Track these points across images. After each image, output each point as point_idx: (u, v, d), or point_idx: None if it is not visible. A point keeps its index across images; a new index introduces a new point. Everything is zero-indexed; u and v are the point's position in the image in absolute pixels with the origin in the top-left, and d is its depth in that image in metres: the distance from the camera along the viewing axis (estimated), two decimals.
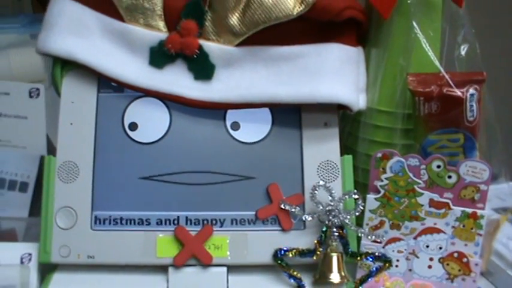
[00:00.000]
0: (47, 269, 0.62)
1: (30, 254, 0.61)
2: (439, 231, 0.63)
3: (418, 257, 0.63)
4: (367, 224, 0.63)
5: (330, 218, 0.60)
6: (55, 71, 0.64)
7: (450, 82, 0.62)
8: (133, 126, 0.63)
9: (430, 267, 0.63)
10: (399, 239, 0.63)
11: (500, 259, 0.69)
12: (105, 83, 0.64)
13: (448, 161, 0.62)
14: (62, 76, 0.64)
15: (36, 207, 0.75)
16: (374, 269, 0.61)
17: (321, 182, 0.61)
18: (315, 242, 0.60)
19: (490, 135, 0.65)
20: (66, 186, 0.61)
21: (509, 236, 0.72)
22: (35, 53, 1.05)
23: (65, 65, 0.65)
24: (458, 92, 0.62)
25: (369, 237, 0.61)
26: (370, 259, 0.61)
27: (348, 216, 0.60)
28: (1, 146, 0.66)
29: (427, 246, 0.63)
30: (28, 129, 0.65)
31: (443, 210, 0.62)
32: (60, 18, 0.64)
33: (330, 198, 0.60)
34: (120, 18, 0.63)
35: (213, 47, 0.62)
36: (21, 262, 0.61)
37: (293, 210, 0.61)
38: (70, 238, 0.61)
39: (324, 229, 0.60)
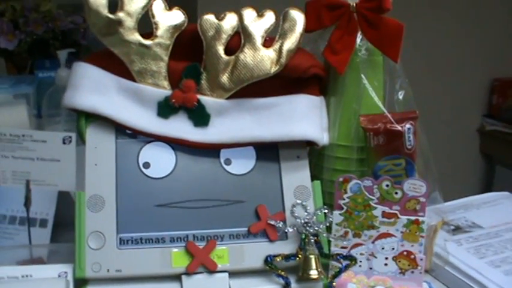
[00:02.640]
0: (79, 284, 0.77)
1: (66, 272, 0.77)
2: (391, 236, 0.82)
3: (376, 257, 0.82)
4: (335, 235, 0.82)
5: (307, 228, 0.79)
6: (80, 122, 0.81)
7: (392, 120, 0.83)
8: (146, 165, 0.81)
9: (386, 264, 0.82)
10: (361, 244, 0.82)
11: (438, 258, 0.90)
12: (121, 131, 0.81)
13: (394, 181, 0.81)
14: (86, 127, 0.81)
15: (53, 237, 0.91)
16: (343, 266, 0.81)
17: (298, 201, 0.81)
18: (297, 248, 0.79)
19: (424, 159, 0.86)
20: (95, 214, 0.78)
21: (445, 239, 0.93)
22: (20, 111, 1.23)
23: (88, 118, 0.82)
24: (398, 127, 0.83)
25: (336, 243, 0.81)
26: (340, 258, 0.81)
27: (321, 226, 0.79)
28: (36, 185, 0.83)
29: (383, 248, 0.82)
30: (60, 170, 0.82)
31: (393, 220, 0.81)
32: (83, 79, 0.82)
33: (306, 213, 0.79)
34: (132, 79, 0.82)
35: (208, 100, 0.82)
36: (60, 277, 0.78)
37: (278, 225, 0.79)
38: (100, 256, 0.76)
39: (303, 237, 0.79)
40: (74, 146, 0.82)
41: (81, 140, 0.82)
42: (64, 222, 0.91)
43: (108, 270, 0.77)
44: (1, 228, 0.91)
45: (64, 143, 0.82)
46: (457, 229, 0.98)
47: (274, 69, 0.80)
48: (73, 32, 1.64)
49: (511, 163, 2.54)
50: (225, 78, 0.81)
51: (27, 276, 0.77)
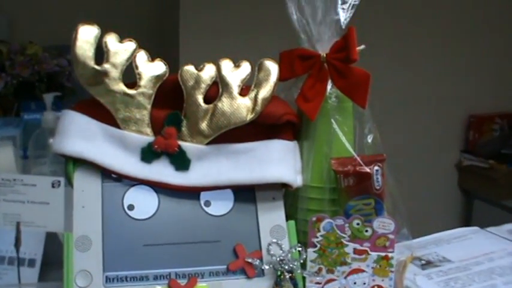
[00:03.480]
0: None
1: None
2: (362, 271, 0.87)
3: None
4: (309, 271, 0.88)
5: (282, 265, 0.85)
6: (68, 167, 0.87)
7: (361, 162, 0.89)
8: (131, 207, 0.87)
9: None
10: (334, 280, 0.88)
11: None
12: (107, 175, 0.87)
13: (365, 220, 0.87)
14: (73, 171, 0.87)
15: (42, 278, 0.96)
16: None
17: (274, 240, 0.87)
18: (273, 284, 0.85)
19: (393, 198, 0.92)
20: (82, 254, 0.83)
21: (415, 273, 0.99)
22: (7, 153, 1.28)
23: (75, 162, 0.87)
24: (367, 169, 0.89)
25: (311, 279, 0.87)
26: None
27: (296, 263, 0.85)
28: (26, 227, 0.88)
29: (355, 283, 0.88)
30: (49, 212, 0.88)
31: (364, 256, 0.87)
32: (71, 126, 0.88)
33: (281, 251, 0.86)
34: (117, 126, 0.88)
35: (188, 146, 0.88)
36: None
37: (255, 262, 0.85)
38: None
39: (279, 274, 0.85)
40: (63, 189, 0.87)
41: (69, 183, 0.88)
42: (52, 262, 0.96)
43: None
44: None
45: (53, 186, 0.88)
46: (428, 263, 1.04)
47: (250, 116, 0.87)
48: (58, 74, 1.71)
49: (488, 197, 2.61)
50: (204, 125, 0.88)
51: None
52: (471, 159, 2.69)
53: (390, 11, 2.35)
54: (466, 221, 2.71)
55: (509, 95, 2.72)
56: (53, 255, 0.92)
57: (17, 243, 0.89)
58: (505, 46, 2.71)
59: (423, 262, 1.05)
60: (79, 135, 0.88)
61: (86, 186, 0.87)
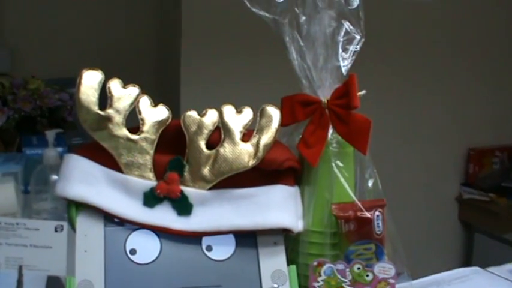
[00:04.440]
0: None
1: None
2: None
3: None
4: None
5: None
6: (71, 211, 0.88)
7: (362, 208, 0.91)
8: (133, 251, 0.88)
9: None
10: None
11: None
12: (109, 219, 0.88)
13: (365, 264, 0.88)
14: (76, 215, 0.88)
15: None
16: None
17: (275, 285, 0.88)
18: None
19: (393, 243, 0.94)
20: None
21: None
22: (8, 189, 1.29)
23: (78, 206, 0.89)
24: (367, 214, 0.91)
25: None
26: None
27: None
28: (28, 270, 0.89)
29: None
30: (52, 256, 0.89)
31: None
32: (74, 171, 0.89)
33: None
34: (120, 170, 0.89)
35: (191, 191, 0.89)
36: None
37: None
38: None
39: None
40: (65, 234, 0.88)
41: (72, 227, 0.89)
42: None
43: None
44: None
45: (56, 231, 0.89)
46: None
47: (252, 162, 0.89)
48: (60, 109, 1.72)
49: (489, 231, 2.62)
50: (206, 170, 0.89)
51: None
52: (471, 193, 2.70)
53: (386, 49, 2.37)
54: (467, 254, 2.71)
55: (509, 128, 2.74)
56: None
57: (19, 287, 0.90)
58: (504, 79, 2.73)
59: None
60: (82, 179, 0.89)
61: (89, 230, 0.88)
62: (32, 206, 1.37)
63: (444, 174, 2.71)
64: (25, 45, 2.22)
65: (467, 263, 2.63)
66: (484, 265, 1.23)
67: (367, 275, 0.89)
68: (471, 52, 2.64)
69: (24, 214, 1.31)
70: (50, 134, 1.42)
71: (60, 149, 1.37)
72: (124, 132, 0.90)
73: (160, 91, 2.18)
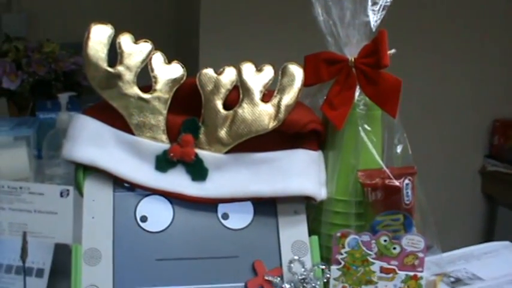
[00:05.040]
0: None
1: None
2: None
3: None
4: None
5: (304, 284, 0.78)
6: (78, 175, 0.82)
7: (390, 175, 0.83)
8: (143, 218, 0.81)
9: None
10: None
11: None
12: (119, 184, 0.82)
13: (393, 236, 0.81)
14: (84, 179, 0.82)
15: (52, 287, 0.91)
16: None
17: (295, 257, 0.81)
18: None
19: (423, 214, 0.86)
20: (91, 268, 0.78)
21: None
22: (20, 153, 1.24)
23: (86, 170, 0.82)
24: (396, 183, 0.83)
25: None
26: None
27: (318, 282, 0.79)
28: (33, 237, 0.83)
29: None
30: (57, 222, 0.83)
31: (391, 275, 0.81)
32: (82, 132, 0.82)
33: (303, 269, 0.79)
34: (130, 132, 0.82)
35: (206, 154, 0.82)
36: None
37: (275, 280, 0.79)
38: None
39: None
40: (72, 199, 0.82)
41: (79, 192, 0.83)
42: (61, 272, 0.90)
43: None
44: None
45: (62, 196, 0.82)
46: (457, 281, 0.98)
47: (272, 124, 0.81)
48: (75, 73, 1.66)
49: None
50: (223, 132, 0.82)
51: None
52: (495, 165, 2.61)
53: (414, 14, 2.27)
54: (489, 228, 2.63)
55: None
56: (63, 266, 0.86)
57: (23, 254, 0.84)
58: None
59: (452, 279, 0.98)
60: (90, 141, 0.82)
61: (97, 195, 0.82)
62: (45, 171, 1.32)
63: (468, 145, 2.62)
64: (41, 9, 2.16)
65: (489, 236, 2.56)
66: (506, 239, 1.15)
67: (394, 248, 0.81)
68: (498, 21, 2.53)
69: (36, 179, 1.26)
70: (63, 97, 1.36)
71: (74, 113, 1.30)
72: (135, 90, 0.82)
73: (177, 52, 2.09)
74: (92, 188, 0.82)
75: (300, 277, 0.79)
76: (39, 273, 0.90)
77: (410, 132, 0.86)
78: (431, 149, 2.36)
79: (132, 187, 0.82)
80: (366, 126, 0.85)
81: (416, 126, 0.88)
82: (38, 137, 1.42)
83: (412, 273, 0.82)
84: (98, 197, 0.82)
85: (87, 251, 0.79)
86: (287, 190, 0.81)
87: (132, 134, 0.83)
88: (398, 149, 0.86)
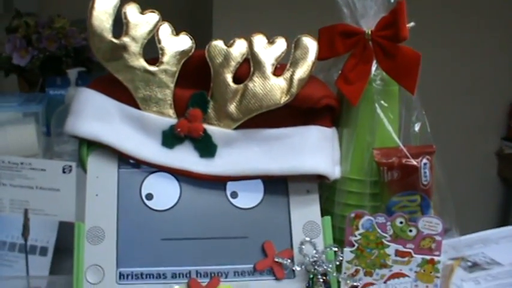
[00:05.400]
0: None
1: None
2: (404, 275, 0.77)
3: None
4: (345, 273, 0.78)
5: (315, 267, 0.74)
6: (82, 150, 0.78)
7: (407, 154, 0.78)
8: (149, 196, 0.77)
9: None
10: (372, 284, 0.77)
11: None
12: (124, 160, 0.78)
13: (409, 218, 0.76)
14: (87, 155, 0.78)
15: (54, 267, 0.88)
16: None
17: (307, 239, 0.76)
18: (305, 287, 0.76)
19: (441, 195, 0.81)
20: (94, 247, 0.74)
21: (462, 278, 0.88)
22: (29, 130, 1.20)
23: (90, 146, 0.78)
24: (414, 162, 0.78)
25: (348, 281, 0.77)
26: None
27: (330, 265, 0.75)
28: (35, 214, 0.80)
29: None
30: (60, 199, 0.79)
31: (406, 258, 0.77)
32: (86, 106, 0.78)
33: (315, 251, 0.75)
34: (136, 106, 0.78)
35: (215, 130, 0.78)
36: None
37: (285, 262, 0.76)
38: None
39: (311, 276, 0.74)
40: (74, 175, 0.79)
41: (83, 168, 0.79)
42: (66, 250, 0.87)
43: None
44: (1, 255, 0.87)
45: (64, 172, 0.79)
46: (475, 266, 0.93)
47: (284, 99, 0.76)
48: (85, 48, 1.61)
49: None
50: (232, 107, 0.77)
51: None
52: None
53: None
54: (505, 212, 2.57)
55: None
56: (67, 244, 0.83)
57: (25, 232, 0.80)
58: None
59: (469, 264, 0.94)
60: (94, 115, 0.78)
61: (101, 172, 0.78)
62: (54, 149, 1.29)
63: (484, 127, 2.54)
64: None
65: (505, 220, 2.50)
66: None
67: (411, 230, 0.77)
68: None
69: (45, 156, 1.23)
70: (72, 73, 1.32)
71: None
72: (141, 63, 0.78)
73: (190, 24, 2.04)
74: (95, 164, 0.78)
75: (311, 259, 0.75)
76: (43, 251, 0.87)
77: (427, 111, 0.81)
78: (446, 129, 2.28)
79: (137, 164, 0.79)
80: (383, 102, 0.80)
81: (433, 105, 0.83)
82: (47, 113, 1.38)
83: (428, 257, 0.77)
84: (101, 174, 0.78)
85: (90, 229, 0.75)
86: (299, 168, 0.77)
87: (138, 108, 0.79)
88: (416, 127, 0.82)
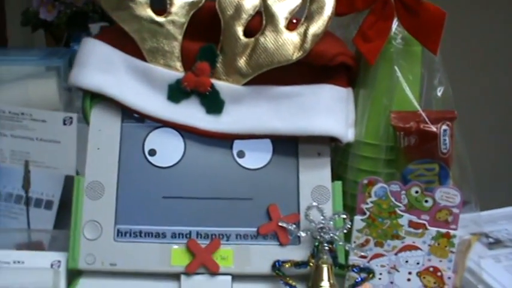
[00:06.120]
0: (73, 275, 0.71)
1: (59, 261, 0.71)
2: (416, 248, 0.72)
3: (398, 271, 0.73)
4: (355, 242, 0.73)
5: (322, 234, 0.70)
6: (85, 102, 0.75)
7: (426, 119, 0.73)
8: (152, 152, 0.74)
9: (409, 280, 0.73)
10: (382, 255, 0.73)
11: (472, 275, 0.80)
12: (128, 114, 0.74)
13: (425, 188, 0.71)
14: (90, 107, 0.75)
15: (60, 222, 0.85)
16: (359, 279, 0.72)
17: (314, 204, 0.72)
18: (309, 255, 0.71)
19: (461, 165, 0.75)
20: (93, 202, 0.72)
21: (481, 255, 0.83)
22: (50, 84, 1.17)
23: (93, 98, 0.75)
24: (433, 128, 0.73)
25: (355, 251, 0.72)
26: (356, 270, 0.71)
27: (337, 233, 0.70)
28: (35, 166, 0.77)
29: (407, 262, 0.73)
30: (60, 152, 0.76)
31: (420, 230, 0.72)
32: (91, 57, 0.75)
33: (322, 217, 0.70)
34: (143, 58, 0.74)
35: (223, 85, 0.73)
36: (52, 268, 0.72)
37: (290, 227, 0.71)
38: (95, 248, 0.70)
39: (316, 244, 0.70)
40: (75, 127, 0.75)
41: (86, 121, 0.75)
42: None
43: (102, 263, 0.71)
44: (7, 207, 0.84)
45: (65, 123, 0.75)
46: (497, 243, 0.87)
47: (297, 55, 0.71)
48: None
49: None
50: (242, 62, 0.72)
51: (19, 262, 0.72)
52: None
53: None
54: None
55: None
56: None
57: (25, 184, 0.77)
58: None
59: (491, 240, 0.88)
60: (99, 66, 0.74)
61: (104, 125, 0.75)
62: (75, 103, 1.26)
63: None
64: None
65: None
66: None
67: (426, 201, 0.71)
68: None
69: (66, 111, 1.20)
70: (94, 28, 1.29)
71: None
72: (148, 13, 0.73)
73: None
74: (99, 117, 0.75)
75: (318, 226, 0.70)
76: (48, 205, 0.84)
77: (451, 75, 0.75)
78: (472, 105, 2.14)
79: (141, 118, 0.75)
80: (403, 62, 0.74)
81: (455, 79, 0.76)
82: (69, 68, 1.35)
83: (444, 231, 0.72)
84: (104, 127, 0.74)
85: (89, 184, 0.72)
86: (309, 129, 0.72)
87: (145, 60, 0.74)
88: (439, 91, 0.76)
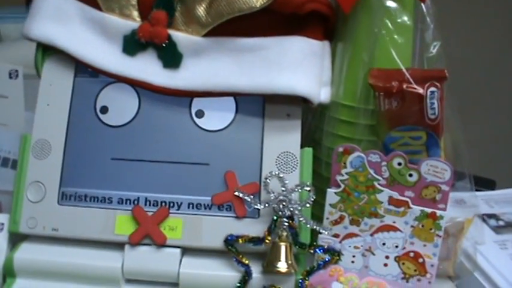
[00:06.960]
0: (20, 238, 0.66)
1: (2, 224, 0.66)
2: (396, 229, 0.62)
3: (374, 254, 0.62)
4: (327, 218, 0.63)
5: (281, 208, 0.61)
6: (37, 55, 0.68)
7: (410, 79, 0.61)
8: (104, 109, 0.66)
9: (386, 265, 0.62)
10: (356, 235, 0.63)
11: (468, 260, 0.68)
12: (81, 68, 0.67)
13: (410, 159, 0.60)
14: (43, 60, 0.68)
15: None
16: (323, 262, 0.62)
17: (274, 172, 0.62)
18: (265, 230, 0.62)
19: (453, 136, 0.63)
20: (39, 162, 0.65)
21: (483, 239, 0.71)
22: None
23: (46, 50, 0.68)
24: (419, 89, 0.61)
25: (317, 228, 0.62)
26: (319, 251, 0.62)
27: (299, 207, 0.61)
28: None
29: (384, 244, 0.62)
30: (8, 108, 0.69)
31: (402, 209, 0.61)
32: (42, 5, 0.67)
33: (283, 188, 0.61)
34: (97, 7, 0.66)
35: (181, 36, 0.64)
36: None
37: (247, 198, 0.62)
38: (38, 211, 0.64)
39: (275, 218, 0.61)
40: (21, 81, 0.68)
41: (38, 75, 0.68)
42: None
43: (44, 227, 0.64)
44: None
45: (10, 77, 0.68)
46: (506, 226, 0.75)
47: (261, 1, 0.61)
48: None
49: None
50: (201, 10, 0.63)
51: None
52: None
53: None
54: None
55: None
56: None
57: None
58: None
59: (501, 223, 0.75)
60: (51, 16, 0.67)
61: (55, 79, 0.68)
62: None
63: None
64: None
65: None
66: None
67: (411, 175, 0.61)
68: None
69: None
70: None
71: None
72: None
73: None
74: (50, 71, 0.68)
75: (277, 198, 0.61)
76: (16, 164, 0.78)
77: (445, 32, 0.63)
78: (472, 56, 1.82)
79: (95, 72, 0.67)
80: (388, 13, 0.62)
81: (452, 23, 0.63)
82: None
83: (429, 210, 0.61)
84: (56, 82, 0.67)
85: (36, 142, 0.66)
86: (272, 86, 0.62)
87: (100, 9, 0.66)
88: (433, 48, 0.64)
